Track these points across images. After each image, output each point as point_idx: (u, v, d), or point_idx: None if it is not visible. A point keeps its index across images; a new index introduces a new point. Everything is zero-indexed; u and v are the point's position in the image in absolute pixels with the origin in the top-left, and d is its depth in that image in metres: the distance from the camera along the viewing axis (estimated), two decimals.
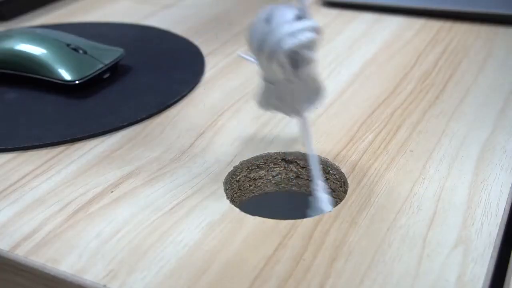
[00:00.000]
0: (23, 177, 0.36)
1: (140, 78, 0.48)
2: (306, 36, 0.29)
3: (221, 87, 0.47)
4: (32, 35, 0.48)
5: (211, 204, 0.33)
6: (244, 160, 0.37)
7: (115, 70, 0.49)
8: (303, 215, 0.32)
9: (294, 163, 0.37)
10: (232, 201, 0.35)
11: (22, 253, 0.30)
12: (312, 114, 0.42)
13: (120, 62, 0.49)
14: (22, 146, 0.39)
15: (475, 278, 0.28)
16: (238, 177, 0.37)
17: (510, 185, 0.34)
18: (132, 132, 0.41)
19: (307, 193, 0.36)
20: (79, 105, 0.44)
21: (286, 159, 0.38)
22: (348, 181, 0.35)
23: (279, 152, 0.38)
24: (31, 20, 0.62)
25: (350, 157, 0.37)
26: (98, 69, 0.46)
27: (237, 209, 0.33)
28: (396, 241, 0.30)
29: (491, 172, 0.35)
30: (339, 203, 0.33)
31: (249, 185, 0.37)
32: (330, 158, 0.37)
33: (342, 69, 0.49)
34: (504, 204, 0.33)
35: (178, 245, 0.30)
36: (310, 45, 0.30)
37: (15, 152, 0.39)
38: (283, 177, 0.38)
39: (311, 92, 0.33)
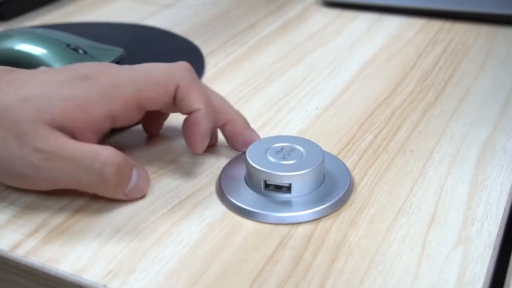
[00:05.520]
0: None
1: None
2: None
3: (221, 87, 0.47)
4: (32, 35, 0.48)
5: (211, 204, 0.33)
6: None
7: None
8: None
9: None
10: None
11: (22, 253, 0.30)
12: (313, 114, 0.42)
13: (120, 62, 0.49)
14: None
15: (475, 278, 0.28)
16: None
17: (510, 185, 0.34)
18: (132, 132, 0.41)
19: None
20: None
21: None
22: None
23: None
24: (31, 20, 0.62)
25: (350, 157, 0.37)
26: None
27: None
28: (396, 241, 0.30)
29: (491, 172, 0.35)
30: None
31: None
32: None
33: (342, 69, 0.49)
34: (504, 204, 0.33)
35: (178, 245, 0.30)
36: None
37: None
38: None
39: None
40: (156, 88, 0.33)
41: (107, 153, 0.31)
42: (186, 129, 0.34)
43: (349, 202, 0.33)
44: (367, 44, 0.54)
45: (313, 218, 0.32)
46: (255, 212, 0.32)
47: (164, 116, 0.40)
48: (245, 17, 0.61)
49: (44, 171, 0.31)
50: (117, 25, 0.60)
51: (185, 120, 0.34)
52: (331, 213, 0.32)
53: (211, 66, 0.50)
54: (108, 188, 0.32)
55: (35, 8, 0.65)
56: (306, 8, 0.63)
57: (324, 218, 0.32)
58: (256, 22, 0.59)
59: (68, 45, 0.47)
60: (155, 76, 0.34)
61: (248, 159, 0.33)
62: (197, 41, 0.55)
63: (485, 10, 0.57)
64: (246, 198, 0.33)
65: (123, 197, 0.33)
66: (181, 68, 0.35)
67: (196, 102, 0.34)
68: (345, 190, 0.33)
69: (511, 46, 0.52)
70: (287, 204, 0.32)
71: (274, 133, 0.40)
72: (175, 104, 0.34)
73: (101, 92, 0.33)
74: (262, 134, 0.40)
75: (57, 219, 0.32)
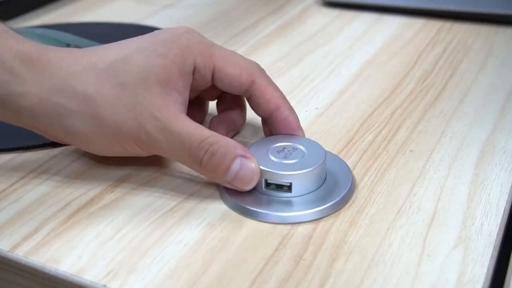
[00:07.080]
0: (23, 177, 0.36)
1: None
2: None
3: None
4: (32, 35, 0.48)
5: (211, 204, 0.33)
6: None
7: None
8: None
9: None
10: None
11: (22, 253, 0.30)
12: (313, 114, 0.42)
13: None
14: (22, 146, 0.39)
15: (475, 278, 0.28)
16: None
17: (510, 185, 0.34)
18: None
19: None
20: None
21: None
22: None
23: None
24: (31, 20, 0.62)
25: (350, 157, 0.37)
26: None
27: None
28: (396, 241, 0.30)
29: (491, 172, 0.35)
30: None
31: None
32: None
33: (342, 69, 0.49)
34: (504, 204, 0.33)
35: (178, 245, 0.30)
36: None
37: (15, 152, 0.39)
38: None
39: None
40: (235, 67, 0.35)
41: (208, 137, 0.32)
42: (278, 125, 0.36)
43: (349, 202, 0.33)
44: (367, 44, 0.54)
45: (314, 218, 0.32)
46: (255, 211, 0.32)
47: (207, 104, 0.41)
48: (245, 17, 0.61)
49: (156, 139, 0.32)
50: (117, 25, 0.60)
51: (272, 119, 0.36)
52: (332, 213, 0.32)
53: None
54: (204, 173, 0.33)
55: (35, 8, 0.65)
56: (306, 8, 0.63)
57: (324, 218, 0.32)
58: (256, 22, 0.59)
59: (68, 45, 0.47)
60: (237, 57, 0.35)
61: None
62: None
63: (485, 10, 0.57)
64: (246, 197, 0.33)
65: (227, 185, 0.33)
66: (257, 65, 0.36)
67: (275, 98, 0.35)
68: (347, 190, 0.33)
69: (511, 46, 0.52)
70: (287, 203, 0.32)
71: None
72: (250, 98, 0.35)
73: (189, 45, 0.34)
74: (261, 135, 0.40)
75: (57, 219, 0.32)
